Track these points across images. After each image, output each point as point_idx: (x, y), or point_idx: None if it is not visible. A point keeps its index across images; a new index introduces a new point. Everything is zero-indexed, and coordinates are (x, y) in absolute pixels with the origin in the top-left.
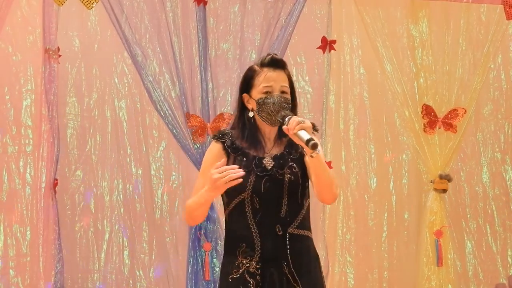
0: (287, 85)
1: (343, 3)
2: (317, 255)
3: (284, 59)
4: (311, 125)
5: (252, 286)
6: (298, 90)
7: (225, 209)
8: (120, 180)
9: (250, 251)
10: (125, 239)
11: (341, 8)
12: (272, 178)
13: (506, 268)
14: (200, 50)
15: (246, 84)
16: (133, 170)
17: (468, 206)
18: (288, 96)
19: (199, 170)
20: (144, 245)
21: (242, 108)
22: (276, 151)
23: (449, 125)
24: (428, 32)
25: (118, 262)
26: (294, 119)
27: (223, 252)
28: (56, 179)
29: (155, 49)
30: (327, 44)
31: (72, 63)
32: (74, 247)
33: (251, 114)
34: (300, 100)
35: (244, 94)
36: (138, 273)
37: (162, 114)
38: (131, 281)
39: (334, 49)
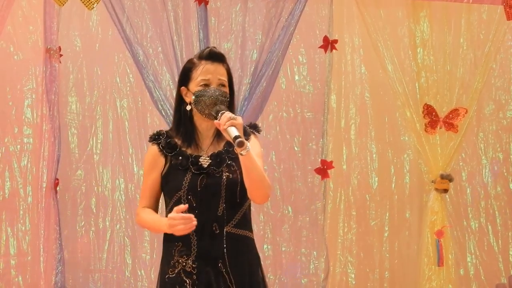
0: (226, 79)
1: (344, 2)
2: (258, 256)
3: (286, 58)
4: (241, 122)
5: (189, 285)
6: (299, 90)
7: (165, 207)
8: (122, 179)
9: (186, 250)
10: (126, 238)
11: (343, 7)
12: (209, 176)
13: (508, 268)
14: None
15: (184, 77)
16: (135, 169)
17: (470, 205)
18: (226, 90)
19: None
20: (146, 244)
21: (179, 102)
22: (214, 149)
23: (450, 125)
24: (429, 32)
25: (119, 262)
26: (226, 114)
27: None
28: (57, 179)
29: (157, 48)
30: (328, 44)
31: (73, 63)
32: (75, 246)
33: (188, 107)
34: (302, 99)
35: (182, 87)
36: (139, 273)
37: (163, 113)
38: (132, 281)
39: (336, 49)
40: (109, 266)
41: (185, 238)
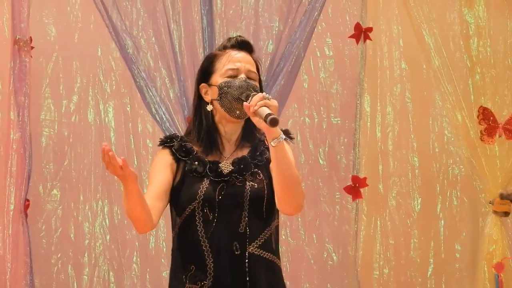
0: (256, 72)
1: None
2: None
3: (309, 50)
4: (277, 105)
5: None
6: (325, 89)
7: (172, 229)
8: (106, 201)
9: (201, 275)
10: (111, 273)
11: None
12: (229, 185)
13: None
14: (204, 40)
15: (205, 71)
16: (122, 188)
17: None
18: (257, 84)
19: None
20: (135, 280)
21: (199, 102)
22: (237, 156)
23: None
24: (486, 18)
25: None
26: (259, 94)
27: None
28: (28, 200)
29: (150, 39)
30: (361, 33)
31: (47, 57)
32: (50, 283)
33: (209, 107)
34: (328, 101)
35: (202, 85)
36: None
37: (157, 119)
38: None
39: (370, 39)
40: None
41: (199, 260)
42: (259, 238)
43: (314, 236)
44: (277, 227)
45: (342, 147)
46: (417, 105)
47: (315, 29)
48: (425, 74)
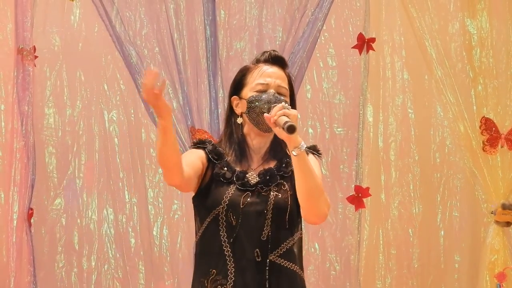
0: (286, 87)
1: None
2: None
3: (312, 60)
4: (297, 114)
5: None
6: (328, 100)
7: (196, 234)
8: (111, 209)
9: (222, 279)
10: (116, 282)
11: None
12: (255, 194)
13: None
14: (208, 50)
15: (236, 84)
16: (127, 197)
17: None
18: (287, 99)
19: None
20: None
21: (230, 114)
22: (263, 168)
23: None
24: (489, 29)
25: None
26: (279, 105)
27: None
28: (32, 209)
29: (153, 48)
30: (364, 43)
31: (51, 66)
32: None
33: (239, 120)
34: (331, 111)
35: (233, 97)
36: None
37: None
38: None
39: (373, 49)
40: None
41: (220, 265)
42: (280, 247)
43: (317, 246)
44: (300, 239)
45: (345, 157)
46: (419, 116)
47: (318, 40)
48: (427, 84)
